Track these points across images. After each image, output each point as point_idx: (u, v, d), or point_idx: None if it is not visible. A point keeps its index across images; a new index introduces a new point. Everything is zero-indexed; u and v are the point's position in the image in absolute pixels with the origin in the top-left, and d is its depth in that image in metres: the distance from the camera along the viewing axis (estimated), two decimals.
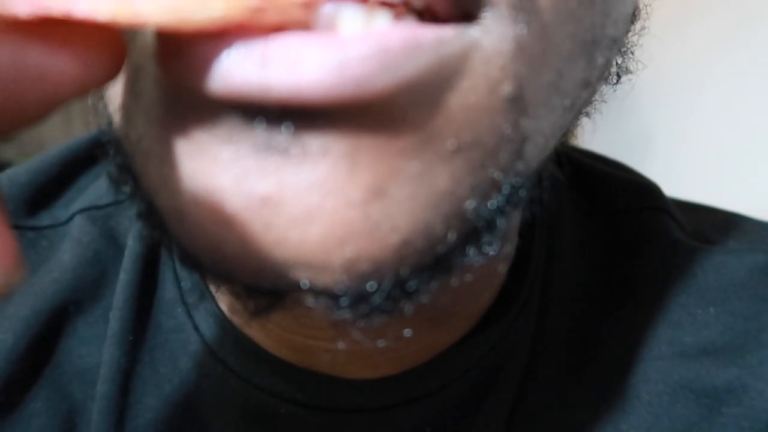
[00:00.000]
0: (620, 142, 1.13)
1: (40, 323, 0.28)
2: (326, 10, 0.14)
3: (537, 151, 0.18)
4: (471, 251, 0.17)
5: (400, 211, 0.15)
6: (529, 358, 0.29)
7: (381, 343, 0.21)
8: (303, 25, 0.14)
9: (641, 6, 0.23)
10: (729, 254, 0.31)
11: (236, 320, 0.27)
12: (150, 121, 0.16)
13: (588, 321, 0.30)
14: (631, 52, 0.22)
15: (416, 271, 0.16)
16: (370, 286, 0.16)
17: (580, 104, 0.19)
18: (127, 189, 0.19)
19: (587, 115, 0.22)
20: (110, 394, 0.27)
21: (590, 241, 0.32)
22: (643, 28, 0.23)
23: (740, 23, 1.01)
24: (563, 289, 0.30)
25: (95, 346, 0.28)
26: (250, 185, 0.14)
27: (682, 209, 0.34)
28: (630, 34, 0.22)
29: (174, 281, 0.29)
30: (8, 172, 0.33)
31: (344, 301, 0.16)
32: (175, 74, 0.14)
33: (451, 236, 0.16)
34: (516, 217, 0.25)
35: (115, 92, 0.17)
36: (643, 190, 0.34)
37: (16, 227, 0.30)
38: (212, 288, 0.28)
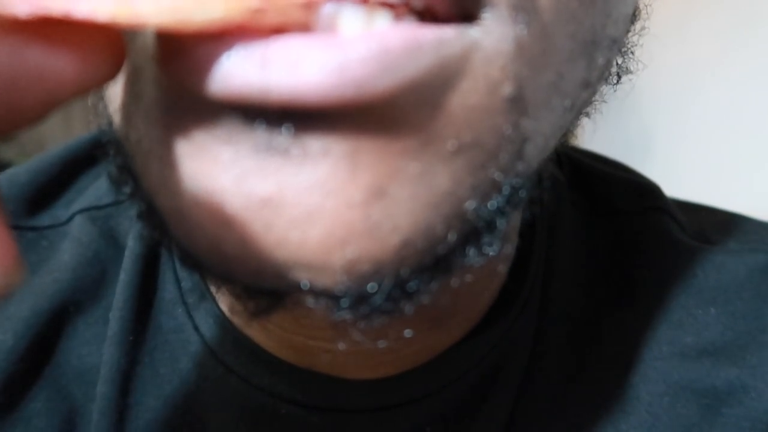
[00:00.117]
0: (620, 142, 1.13)
1: (40, 323, 0.28)
2: (326, 10, 0.14)
3: (537, 152, 0.18)
4: (471, 251, 0.17)
5: (400, 211, 0.15)
6: (529, 359, 0.29)
7: (381, 344, 0.21)
8: (303, 26, 0.14)
9: (641, 6, 0.23)
10: (729, 254, 0.31)
11: (236, 321, 0.27)
12: (150, 122, 0.16)
13: (588, 321, 0.30)
14: (631, 52, 0.22)
15: (417, 271, 0.16)
16: (371, 286, 0.16)
17: (580, 104, 0.19)
18: (127, 189, 0.19)
19: (587, 115, 0.22)
20: (110, 394, 0.27)
21: (590, 242, 0.32)
22: (643, 28, 0.23)
23: (740, 23, 1.01)
24: (563, 290, 0.30)
25: (95, 347, 0.28)
26: (250, 186, 0.14)
27: (682, 209, 0.34)
28: (630, 34, 0.22)
29: (174, 281, 0.29)
30: (8, 172, 0.33)
31: (345, 302, 0.16)
32: (175, 76, 0.14)
33: (452, 237, 0.16)
34: (516, 218, 0.25)
35: (115, 93, 0.17)
36: (644, 190, 0.34)
37: (17, 227, 0.30)
38: (212, 288, 0.28)
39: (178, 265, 0.29)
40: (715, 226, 0.33)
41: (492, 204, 0.17)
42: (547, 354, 0.29)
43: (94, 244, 0.30)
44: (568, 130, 0.20)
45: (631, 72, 0.23)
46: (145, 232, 0.19)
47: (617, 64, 0.22)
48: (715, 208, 0.35)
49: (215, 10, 0.13)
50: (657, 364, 0.29)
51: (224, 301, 0.27)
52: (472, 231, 0.17)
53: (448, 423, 0.28)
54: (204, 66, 0.14)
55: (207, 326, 0.28)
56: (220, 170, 0.15)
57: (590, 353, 0.30)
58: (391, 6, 0.14)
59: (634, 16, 0.22)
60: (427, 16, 0.15)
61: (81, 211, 0.31)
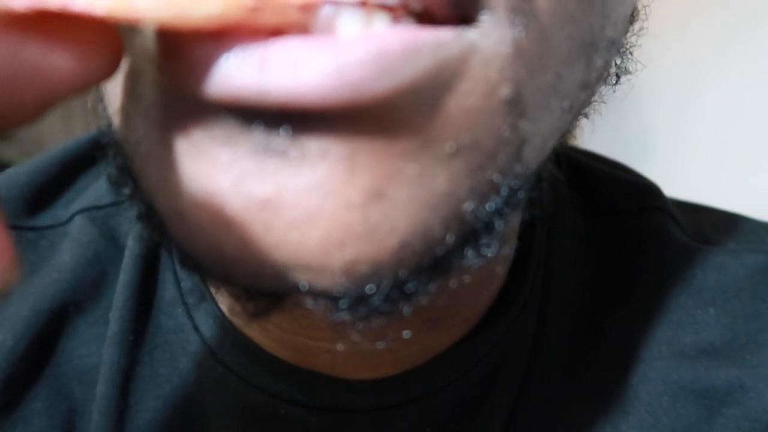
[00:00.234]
0: (620, 142, 1.13)
1: (40, 323, 0.28)
2: (325, 12, 0.14)
3: (535, 153, 0.18)
4: (469, 253, 0.17)
5: (398, 213, 0.15)
6: (528, 359, 0.29)
7: (380, 345, 0.21)
8: (301, 27, 0.14)
9: (640, 7, 0.23)
10: (729, 255, 0.31)
11: (236, 321, 0.27)
12: (149, 124, 0.16)
13: (587, 321, 0.30)
14: (630, 53, 0.22)
15: (415, 272, 0.16)
16: (369, 288, 0.16)
17: (579, 105, 0.19)
18: (126, 191, 0.19)
19: (586, 116, 0.22)
20: (110, 394, 0.27)
21: (590, 242, 0.32)
22: (641, 28, 0.23)
23: (740, 23, 1.01)
24: (563, 290, 0.30)
25: (95, 347, 0.28)
26: (249, 187, 0.15)
27: (682, 209, 0.34)
28: (629, 35, 0.22)
29: (174, 282, 0.29)
30: (8, 172, 0.33)
31: (343, 303, 0.16)
32: (174, 78, 0.14)
33: (450, 238, 0.16)
34: (515, 219, 0.25)
35: (115, 95, 0.17)
36: (643, 190, 0.34)
37: (17, 227, 0.30)
38: (212, 289, 0.28)
39: (177, 266, 0.29)
40: (714, 226, 0.33)
41: (490, 205, 0.17)
42: (547, 354, 0.29)
43: (94, 244, 0.30)
44: (567, 130, 0.20)
45: (630, 72, 0.23)
46: (145, 233, 0.19)
47: (616, 64, 0.22)
48: (715, 208, 0.35)
49: (213, 7, 0.13)
50: (656, 364, 0.29)
51: (224, 302, 0.27)
52: (471, 232, 0.17)
53: (447, 423, 0.28)
54: (202, 68, 0.14)
55: (207, 326, 0.28)
56: (218, 171, 0.15)
57: (590, 353, 0.30)
58: (389, 8, 0.14)
59: (632, 17, 0.22)
60: (424, 18, 0.15)
61: (81, 211, 0.31)
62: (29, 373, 0.27)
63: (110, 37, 0.13)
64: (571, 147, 0.36)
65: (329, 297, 0.16)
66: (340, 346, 0.23)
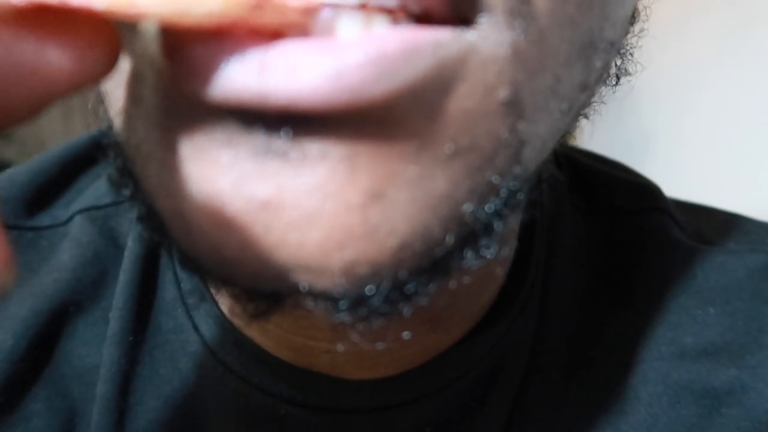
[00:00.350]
0: (620, 143, 1.13)
1: (39, 324, 0.28)
2: (324, 15, 0.14)
3: (535, 155, 0.18)
4: (469, 254, 0.17)
5: (398, 214, 0.15)
6: (529, 359, 0.29)
7: (380, 346, 0.21)
8: (301, 29, 0.14)
9: (640, 8, 0.23)
10: (729, 255, 0.31)
11: (236, 321, 0.27)
12: (150, 126, 0.16)
13: (588, 321, 0.30)
14: (630, 54, 0.22)
15: (414, 274, 0.16)
16: (369, 289, 0.16)
17: (579, 107, 0.19)
18: (127, 192, 0.19)
19: (586, 117, 0.22)
20: (110, 394, 0.27)
21: (590, 242, 0.32)
22: (642, 30, 0.23)
23: (740, 24, 1.01)
24: (563, 290, 0.30)
25: (95, 347, 0.28)
26: (249, 189, 0.15)
27: (682, 209, 0.34)
28: (629, 36, 0.22)
29: (174, 282, 0.29)
30: (8, 172, 0.33)
31: (343, 304, 0.16)
32: (175, 80, 0.14)
33: (449, 239, 0.16)
34: (514, 220, 0.26)
35: (116, 97, 0.17)
36: (643, 190, 0.34)
37: (16, 227, 0.30)
38: (212, 289, 0.28)
39: (178, 266, 0.29)
40: (714, 226, 0.33)
41: (489, 207, 0.17)
42: (547, 354, 0.29)
43: (94, 244, 0.30)
44: (567, 131, 0.20)
45: (629, 74, 0.23)
46: (145, 235, 0.19)
47: (616, 65, 0.22)
48: (715, 208, 0.35)
49: (214, 4, 0.13)
50: (656, 365, 0.29)
51: (224, 302, 0.27)
52: (470, 234, 0.17)
53: (447, 423, 0.28)
54: (203, 71, 0.14)
55: (207, 326, 0.28)
56: (219, 173, 0.15)
57: (590, 353, 0.30)
58: (388, 11, 0.14)
59: (632, 18, 0.22)
60: (423, 20, 0.15)
61: (81, 211, 0.31)
62: (29, 374, 0.27)
63: (108, 35, 0.13)
64: (572, 147, 0.36)
65: (329, 298, 0.16)
66: (340, 347, 0.23)
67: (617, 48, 0.20)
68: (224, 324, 0.27)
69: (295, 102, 0.13)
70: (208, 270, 0.17)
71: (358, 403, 0.27)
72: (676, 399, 0.28)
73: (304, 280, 0.16)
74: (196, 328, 0.28)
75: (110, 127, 0.19)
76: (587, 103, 0.20)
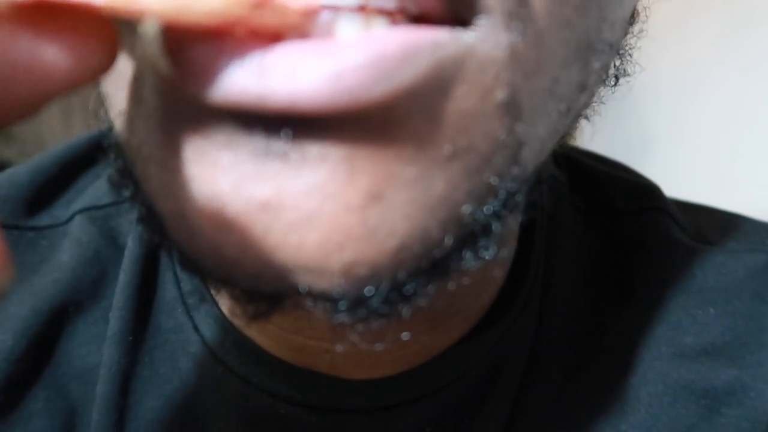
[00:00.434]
0: (620, 143, 1.13)
1: (39, 323, 0.28)
2: (324, 17, 0.14)
3: (533, 156, 0.18)
4: (468, 255, 0.17)
5: (397, 215, 0.15)
6: (529, 359, 0.29)
7: (379, 347, 0.21)
8: (301, 30, 0.14)
9: (640, 9, 0.23)
10: (729, 255, 0.31)
11: (236, 321, 0.27)
12: (151, 127, 0.16)
13: (588, 321, 0.30)
14: (629, 55, 0.22)
15: (413, 275, 0.16)
16: (368, 290, 0.16)
17: (578, 108, 0.19)
18: (127, 193, 0.19)
19: (586, 117, 0.22)
20: (110, 394, 0.27)
21: (590, 242, 0.32)
22: (641, 30, 0.23)
23: (740, 24, 1.01)
24: (563, 290, 0.30)
25: (95, 347, 0.28)
26: (249, 190, 0.15)
27: (682, 209, 0.34)
28: (628, 36, 0.22)
29: (174, 282, 0.29)
30: (8, 172, 0.33)
31: (342, 305, 0.16)
32: (175, 83, 0.14)
33: (448, 240, 0.16)
34: (513, 221, 0.26)
35: (117, 98, 0.17)
36: (643, 190, 0.34)
37: (16, 227, 0.30)
38: (212, 289, 0.28)
39: (177, 266, 0.29)
40: (714, 226, 0.33)
41: (488, 208, 0.17)
42: (547, 354, 0.29)
43: (94, 244, 0.30)
44: (566, 132, 0.21)
45: (629, 74, 0.23)
46: (145, 236, 0.19)
47: (615, 66, 0.22)
48: (715, 208, 0.35)
49: (215, 1, 0.13)
50: (656, 365, 0.29)
51: (224, 302, 0.27)
52: (469, 235, 0.17)
53: (447, 423, 0.28)
54: (203, 73, 0.14)
55: (207, 326, 0.28)
56: (219, 174, 0.15)
57: (590, 353, 0.30)
58: (387, 13, 0.14)
59: (632, 19, 0.22)
60: (421, 21, 0.15)
61: (81, 210, 0.31)
62: (29, 373, 0.27)
63: (105, 32, 0.13)
64: (572, 147, 0.36)
65: (329, 299, 0.16)
66: (339, 347, 0.23)
67: (616, 49, 0.20)
68: (224, 324, 0.27)
69: (294, 104, 0.13)
70: (208, 271, 0.17)
71: (358, 403, 0.27)
72: (676, 399, 0.28)
73: (303, 281, 0.16)
74: (196, 328, 0.28)
75: (111, 128, 0.19)
76: (587, 104, 0.20)
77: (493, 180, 0.16)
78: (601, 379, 0.29)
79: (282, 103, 0.13)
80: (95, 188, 0.32)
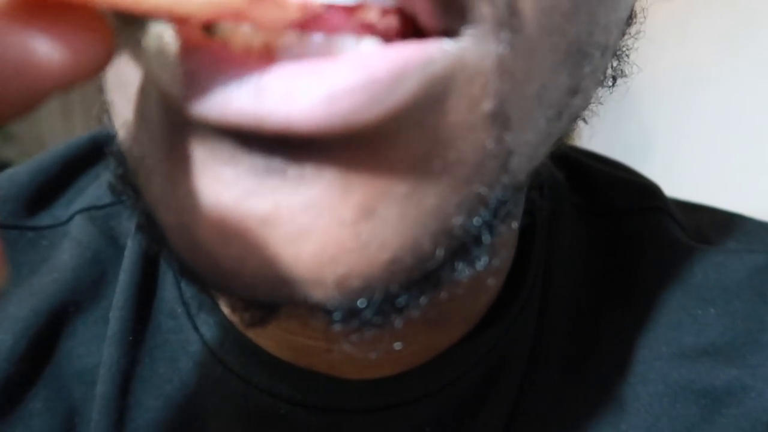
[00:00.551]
0: (620, 143, 1.13)
1: (39, 323, 0.28)
2: (316, 39, 0.15)
3: (524, 163, 0.18)
4: (460, 266, 0.18)
5: (388, 229, 0.16)
6: (528, 359, 0.29)
7: (372, 356, 0.22)
8: (296, 48, 0.14)
9: (639, 10, 0.23)
10: (729, 254, 0.31)
11: (236, 321, 0.27)
12: (154, 140, 0.16)
13: (588, 321, 0.30)
14: (627, 56, 0.22)
15: (406, 286, 0.17)
16: (361, 301, 0.16)
17: (572, 111, 0.19)
18: (127, 201, 0.19)
19: (583, 119, 0.22)
20: (110, 394, 0.27)
21: (590, 242, 0.32)
22: (638, 31, 0.23)
23: (740, 25, 1.01)
24: (563, 290, 0.30)
25: (95, 347, 0.28)
26: (250, 204, 0.15)
27: (682, 209, 0.34)
28: (626, 38, 0.22)
29: (174, 282, 0.29)
30: (8, 171, 0.33)
31: (337, 316, 0.17)
32: (176, 100, 0.15)
33: (440, 252, 0.17)
34: (506, 229, 0.26)
35: (121, 107, 0.18)
36: (643, 190, 0.34)
37: (17, 227, 0.30)
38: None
39: (175, 274, 0.29)
40: (714, 226, 0.33)
41: (478, 219, 0.17)
42: (547, 354, 0.29)
43: (94, 244, 0.30)
44: (562, 135, 0.20)
45: (626, 75, 0.23)
46: (144, 244, 0.19)
47: (612, 67, 0.22)
48: (715, 208, 0.35)
49: None
50: (656, 364, 0.29)
51: (224, 302, 0.27)
52: (460, 246, 0.17)
53: (448, 423, 0.28)
54: (202, 92, 0.14)
55: (207, 326, 0.28)
56: (222, 189, 0.15)
57: (590, 353, 0.30)
58: (380, 32, 0.15)
59: (629, 20, 0.22)
60: (409, 31, 0.15)
61: (81, 210, 0.31)
62: (29, 373, 0.27)
63: (100, 28, 0.13)
64: (572, 147, 0.36)
65: (323, 309, 0.16)
66: (336, 353, 0.24)
67: (612, 51, 0.20)
68: (224, 324, 0.27)
69: (290, 126, 0.14)
70: (207, 280, 0.17)
71: (358, 403, 0.27)
72: (677, 399, 0.28)
73: (299, 292, 0.16)
74: (195, 327, 0.28)
75: (113, 136, 0.19)
76: (582, 107, 0.20)
77: (483, 190, 0.17)
78: (601, 379, 0.29)
79: (278, 125, 0.14)
80: (95, 188, 0.32)
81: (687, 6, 1.06)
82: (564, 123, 0.19)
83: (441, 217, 0.16)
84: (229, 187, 0.15)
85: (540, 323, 0.29)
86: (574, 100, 0.19)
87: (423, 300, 0.18)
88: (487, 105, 0.16)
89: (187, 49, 0.14)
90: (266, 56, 0.14)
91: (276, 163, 0.15)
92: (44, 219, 0.31)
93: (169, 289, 0.29)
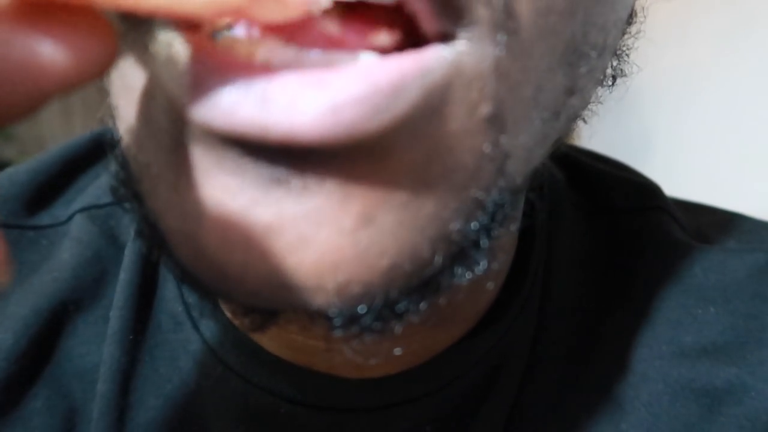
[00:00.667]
0: (620, 143, 1.13)
1: (40, 322, 0.28)
2: (313, 55, 0.15)
3: (520, 166, 0.18)
4: (459, 271, 0.18)
5: (387, 237, 0.16)
6: (528, 358, 0.29)
7: (372, 362, 0.22)
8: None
9: (639, 9, 0.23)
10: (729, 254, 0.31)
11: (236, 320, 0.27)
12: (160, 148, 0.16)
13: (588, 321, 0.30)
14: (627, 55, 0.22)
15: (405, 292, 0.17)
16: (361, 307, 0.17)
17: (571, 111, 0.19)
18: (128, 207, 0.19)
19: (582, 119, 0.22)
20: (110, 393, 0.27)
21: (590, 241, 0.32)
22: (639, 31, 0.23)
23: (740, 24, 1.01)
24: (563, 289, 0.30)
25: (95, 346, 0.28)
26: (255, 214, 0.15)
27: (682, 209, 0.34)
28: (626, 37, 0.22)
29: (174, 281, 0.29)
30: (8, 171, 0.33)
31: (337, 322, 0.17)
32: (183, 108, 0.15)
33: (438, 258, 0.17)
34: (505, 232, 0.26)
35: (127, 113, 0.18)
36: (644, 189, 0.34)
37: (17, 226, 0.30)
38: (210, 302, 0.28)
39: (176, 280, 0.29)
40: (715, 225, 0.33)
41: (475, 224, 0.17)
42: (547, 353, 0.29)
43: (94, 243, 0.30)
44: (561, 136, 0.20)
45: (626, 75, 0.23)
46: (144, 249, 0.19)
47: (612, 67, 0.22)
48: (715, 207, 0.35)
49: None
50: (657, 364, 0.29)
51: (224, 305, 0.27)
52: (459, 251, 0.17)
53: (447, 422, 0.28)
54: (208, 99, 0.14)
55: (207, 325, 0.28)
56: (228, 198, 0.15)
57: (590, 353, 0.30)
58: (379, 48, 0.15)
59: (629, 20, 0.22)
60: (407, 38, 0.15)
61: (81, 210, 0.31)
62: (29, 372, 0.27)
63: (103, 29, 0.13)
64: (572, 146, 0.36)
65: (324, 316, 0.17)
66: (337, 358, 0.24)
67: (612, 50, 0.20)
68: (224, 323, 0.27)
69: (294, 136, 0.14)
70: (209, 287, 0.17)
71: (358, 402, 0.27)
72: (677, 398, 0.28)
73: (300, 299, 0.16)
74: (196, 327, 0.28)
75: (116, 139, 0.19)
76: (581, 107, 0.21)
77: (480, 195, 0.17)
78: (601, 378, 0.29)
79: (283, 135, 0.14)
80: (95, 187, 0.32)
81: (687, 6, 1.06)
82: (562, 123, 0.19)
83: (439, 223, 0.17)
84: (234, 197, 0.15)
85: (540, 322, 0.29)
86: (572, 101, 0.19)
87: (423, 305, 0.18)
88: (485, 109, 0.16)
89: (195, 56, 0.15)
90: (268, 66, 0.14)
91: (280, 172, 0.15)
92: (44, 218, 0.31)
93: (170, 288, 0.29)
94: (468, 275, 0.18)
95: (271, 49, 0.15)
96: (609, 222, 0.32)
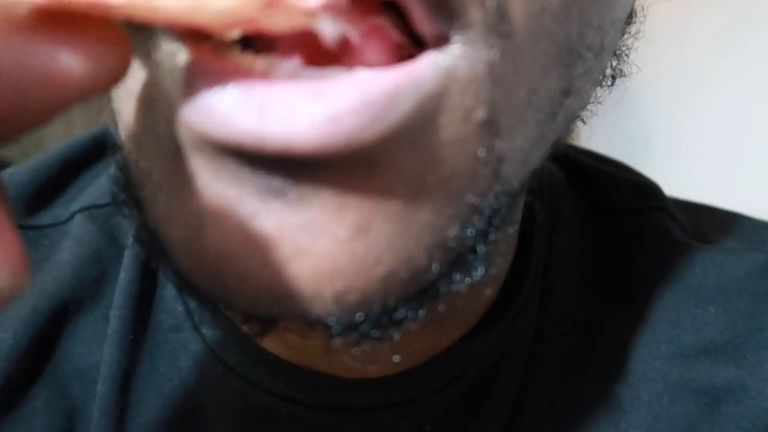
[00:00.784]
0: (620, 142, 1.13)
1: (40, 322, 0.28)
2: (310, 72, 0.15)
3: (516, 169, 0.18)
4: (456, 277, 0.18)
5: (383, 245, 0.16)
6: (528, 358, 0.29)
7: (372, 368, 0.22)
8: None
9: (638, 9, 0.23)
10: (729, 254, 0.31)
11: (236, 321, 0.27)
12: (162, 156, 0.17)
13: (588, 320, 0.30)
14: (626, 55, 0.22)
15: (403, 300, 0.17)
16: (359, 315, 0.17)
17: (568, 112, 0.19)
18: (128, 213, 0.19)
19: (582, 119, 0.22)
20: (110, 393, 0.27)
21: (590, 241, 0.32)
22: (638, 31, 0.23)
23: (740, 24, 1.01)
24: (563, 289, 0.30)
25: (95, 345, 0.28)
26: (254, 225, 0.16)
27: (682, 209, 0.34)
28: (625, 37, 0.22)
29: None
30: (9, 171, 0.33)
31: (335, 330, 0.17)
32: (182, 117, 0.15)
33: (435, 265, 0.17)
34: (503, 236, 0.26)
35: (129, 119, 0.18)
36: (644, 189, 0.34)
37: (17, 226, 0.30)
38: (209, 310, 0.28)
39: (173, 287, 0.29)
40: (714, 225, 0.33)
41: (471, 230, 0.17)
42: (547, 353, 0.29)
43: (95, 242, 0.30)
44: (559, 137, 0.20)
45: (626, 75, 0.23)
46: (142, 256, 0.19)
47: (611, 67, 0.22)
48: (715, 207, 0.35)
49: (227, 1, 0.13)
50: (656, 364, 0.29)
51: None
52: (456, 257, 0.18)
53: (447, 422, 0.28)
54: (207, 111, 0.15)
55: (207, 325, 0.28)
56: (228, 209, 0.16)
57: (590, 352, 0.30)
58: (374, 60, 0.15)
59: (629, 20, 0.22)
60: (403, 45, 0.16)
61: (81, 209, 0.31)
62: (29, 372, 0.27)
63: (118, 39, 0.13)
64: (572, 146, 0.36)
65: (322, 324, 0.17)
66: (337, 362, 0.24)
67: (610, 50, 0.20)
68: (224, 323, 0.27)
69: (292, 147, 0.14)
70: (209, 295, 0.17)
71: (358, 402, 0.27)
72: (676, 398, 0.28)
73: (299, 307, 0.16)
74: (196, 326, 0.28)
75: (117, 143, 0.19)
76: (579, 107, 0.20)
77: (476, 200, 0.17)
78: (601, 378, 0.29)
79: (280, 146, 0.14)
80: (95, 187, 0.32)
81: (687, 6, 1.06)
82: (559, 125, 0.19)
83: (435, 230, 0.17)
84: (233, 208, 0.16)
85: (540, 322, 0.29)
86: (568, 101, 0.19)
87: (421, 313, 0.18)
88: (479, 113, 0.16)
89: (194, 63, 0.15)
90: (267, 75, 0.15)
91: (277, 183, 0.15)
92: (44, 218, 0.31)
93: (170, 288, 0.29)
94: (466, 281, 0.18)
95: (270, 62, 0.15)
96: (609, 222, 0.32)
